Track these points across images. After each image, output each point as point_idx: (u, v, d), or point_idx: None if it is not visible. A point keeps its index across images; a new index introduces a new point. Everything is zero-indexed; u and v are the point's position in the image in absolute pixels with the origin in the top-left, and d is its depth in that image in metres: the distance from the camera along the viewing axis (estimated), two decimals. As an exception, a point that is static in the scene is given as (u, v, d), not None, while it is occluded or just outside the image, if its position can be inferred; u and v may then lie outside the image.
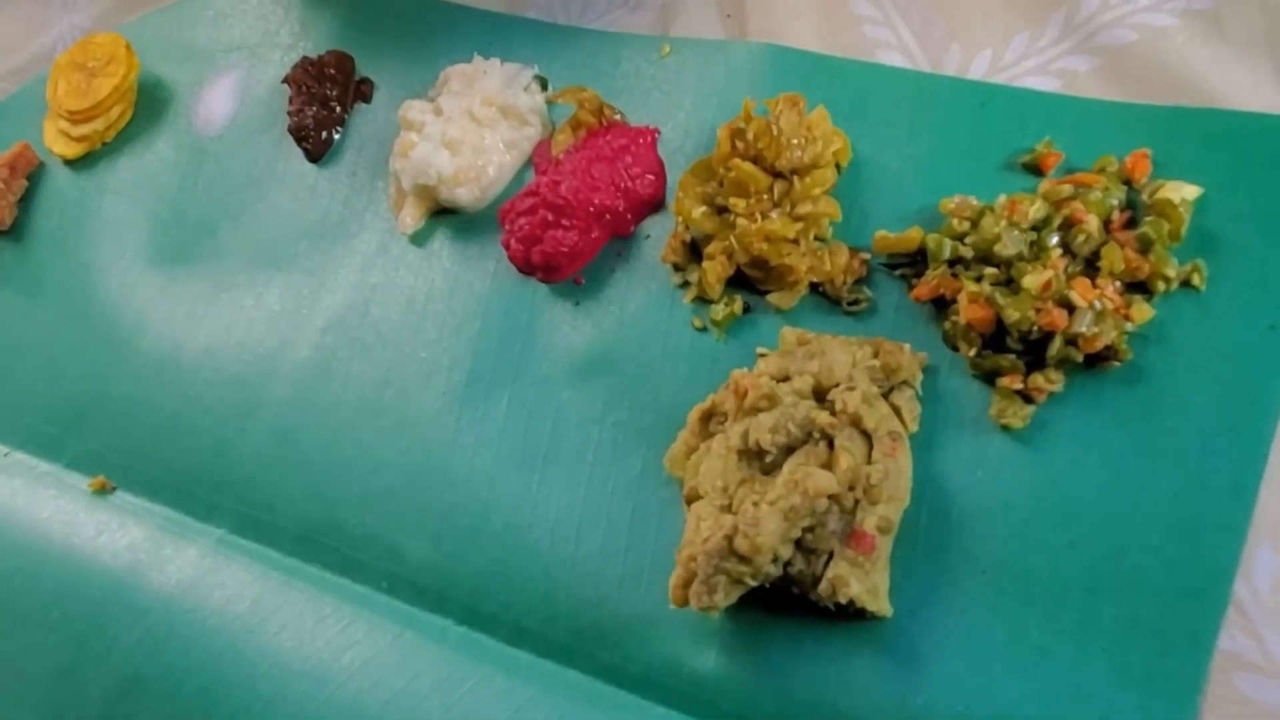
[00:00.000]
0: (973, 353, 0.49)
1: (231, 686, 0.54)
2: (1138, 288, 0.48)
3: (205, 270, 0.69)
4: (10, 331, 0.72)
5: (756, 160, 0.54)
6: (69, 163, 0.76)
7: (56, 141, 0.77)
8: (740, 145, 0.55)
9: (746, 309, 0.55)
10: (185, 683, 0.55)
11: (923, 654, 0.46)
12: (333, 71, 0.69)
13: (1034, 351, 0.48)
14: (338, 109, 0.69)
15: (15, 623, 0.61)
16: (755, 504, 0.46)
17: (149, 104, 0.76)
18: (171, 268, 0.70)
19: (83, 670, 0.58)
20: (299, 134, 0.68)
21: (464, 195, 0.62)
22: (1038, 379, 0.48)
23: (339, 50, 0.70)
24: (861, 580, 0.45)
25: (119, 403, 0.67)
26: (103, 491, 0.64)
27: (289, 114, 0.69)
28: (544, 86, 0.64)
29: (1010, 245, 0.49)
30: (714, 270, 0.54)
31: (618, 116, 0.62)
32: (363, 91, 0.70)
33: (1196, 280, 0.48)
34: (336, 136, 0.69)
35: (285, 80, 0.70)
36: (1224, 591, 0.43)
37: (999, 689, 0.44)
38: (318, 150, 0.68)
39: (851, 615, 0.46)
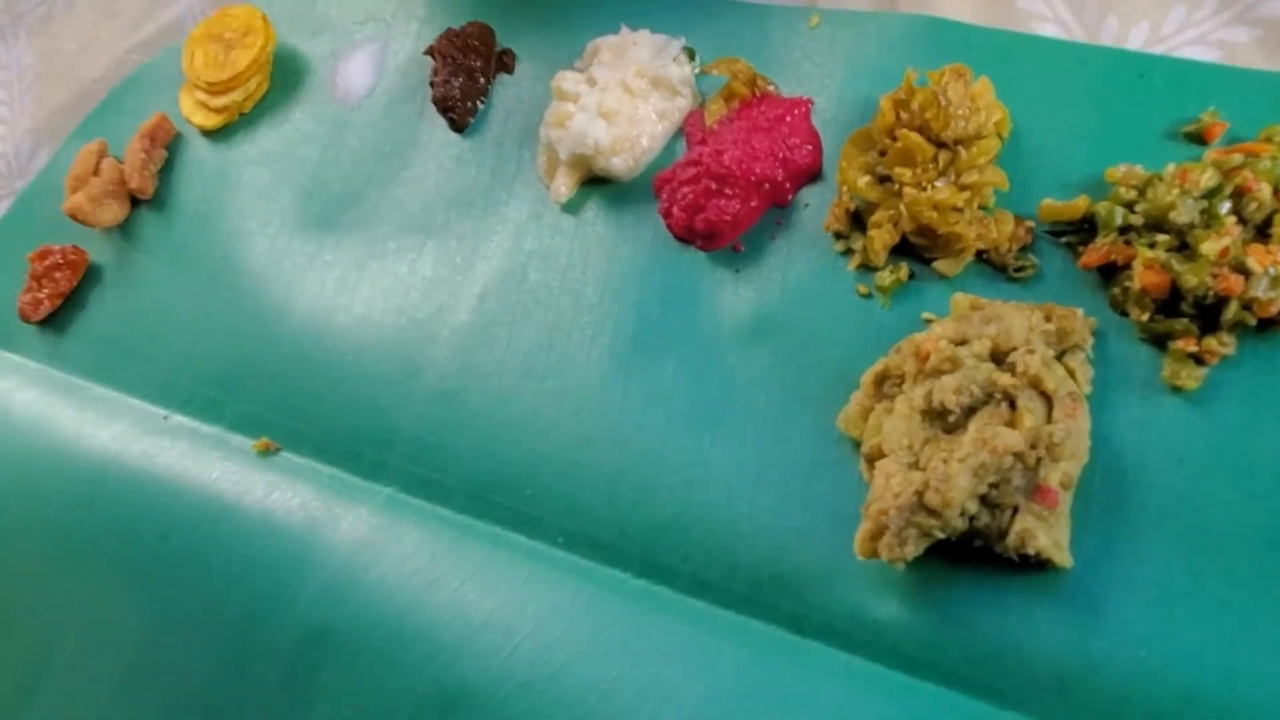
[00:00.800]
0: (1145, 317, 0.51)
1: (416, 636, 0.57)
2: (1310, 252, 0.50)
3: (354, 238, 0.71)
4: (160, 298, 0.75)
5: (921, 130, 0.56)
6: (207, 133, 0.79)
7: (195, 113, 0.79)
8: (905, 115, 0.57)
9: (911, 276, 0.57)
10: (371, 632, 0.58)
11: (1103, 603, 0.48)
12: (475, 43, 0.71)
13: (1206, 316, 0.50)
14: (481, 80, 0.71)
15: (194, 577, 0.64)
16: (944, 461, 0.48)
17: (285, 75, 0.78)
18: (319, 236, 0.72)
19: (268, 621, 0.61)
20: (444, 104, 0.70)
21: (619, 164, 0.64)
22: (1211, 342, 0.50)
23: (480, 22, 0.72)
24: (1047, 533, 0.48)
25: (276, 366, 0.69)
26: (267, 452, 0.67)
27: (433, 84, 0.71)
28: (691, 57, 0.66)
29: (1184, 213, 0.50)
30: (880, 238, 0.56)
31: (770, 87, 0.63)
32: (505, 62, 0.71)
33: (1369, 248, 0.50)
34: (480, 106, 0.71)
35: (428, 51, 0.72)
36: None
37: (1179, 636, 0.47)
38: (463, 120, 0.70)
39: (1032, 566, 0.49)
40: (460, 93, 0.70)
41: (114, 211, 0.78)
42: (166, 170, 0.79)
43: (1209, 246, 0.49)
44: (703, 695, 0.52)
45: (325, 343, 0.68)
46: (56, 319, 0.78)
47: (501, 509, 0.60)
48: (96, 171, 0.78)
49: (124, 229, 0.78)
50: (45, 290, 0.77)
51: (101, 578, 0.67)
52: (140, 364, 0.73)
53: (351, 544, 0.61)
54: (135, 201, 0.79)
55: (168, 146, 0.80)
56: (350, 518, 0.62)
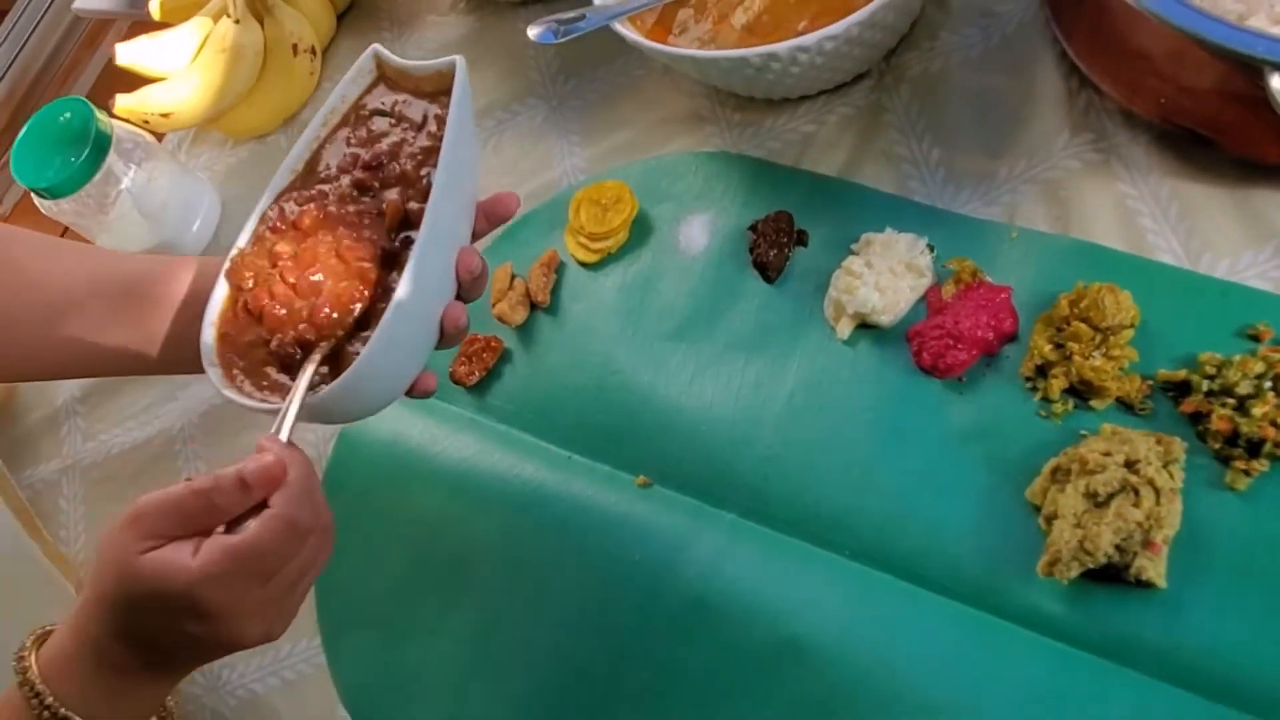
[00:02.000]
0: (1216, 446, 0.87)
1: (761, 605, 0.94)
2: (1317, 416, 0.85)
3: (697, 348, 1.04)
4: (558, 378, 1.05)
5: (1085, 320, 0.93)
6: (585, 265, 1.16)
7: (577, 250, 1.16)
8: (1075, 310, 0.94)
9: (1074, 408, 0.94)
10: (731, 601, 0.96)
11: (1184, 608, 0.76)
12: (784, 225, 1.08)
13: (1252, 448, 0.86)
14: (786, 251, 1.09)
15: (607, 563, 0.98)
16: (1095, 525, 0.85)
17: (642, 230, 1.08)
18: (673, 344, 1.08)
19: (662, 591, 0.98)
20: (762, 265, 1.08)
21: (884, 319, 1.01)
22: (1255, 464, 0.84)
23: (786, 211, 1.10)
24: (1153, 568, 0.84)
25: (648, 429, 1.06)
26: (646, 486, 1.04)
27: (753, 251, 1.09)
28: (932, 250, 1.04)
29: (1244, 388, 0.86)
30: (1056, 384, 0.93)
31: (984, 277, 1.01)
32: (801, 238, 1.09)
33: (1353, 415, 0.85)
34: (785, 268, 1.09)
35: (750, 228, 1.10)
36: None
37: (1227, 634, 0.77)
38: (774, 276, 1.07)
39: (1143, 585, 0.85)
40: (773, 259, 1.08)
41: (521, 314, 1.13)
42: (557, 289, 1.08)
43: (1257, 411, 0.84)
44: (940, 655, 0.87)
45: (683, 414, 0.96)
46: (481, 386, 1.09)
47: (808, 532, 0.93)
48: (510, 286, 1.18)
49: (527, 327, 1.13)
50: (475, 365, 1.14)
51: (537, 561, 1.03)
52: (545, 420, 1.03)
53: (712, 544, 0.99)
54: (534, 308, 1.16)
55: (557, 271, 1.18)
56: (708, 530, 1.00)
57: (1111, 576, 0.76)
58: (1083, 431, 0.79)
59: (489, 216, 0.77)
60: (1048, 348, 0.91)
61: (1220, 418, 0.84)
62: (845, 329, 0.99)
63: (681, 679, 0.87)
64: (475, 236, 0.76)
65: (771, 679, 0.85)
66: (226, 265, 0.73)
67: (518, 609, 0.95)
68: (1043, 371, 0.91)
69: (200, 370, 0.71)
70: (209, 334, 0.72)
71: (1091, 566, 0.74)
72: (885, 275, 0.98)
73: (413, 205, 0.72)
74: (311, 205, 0.73)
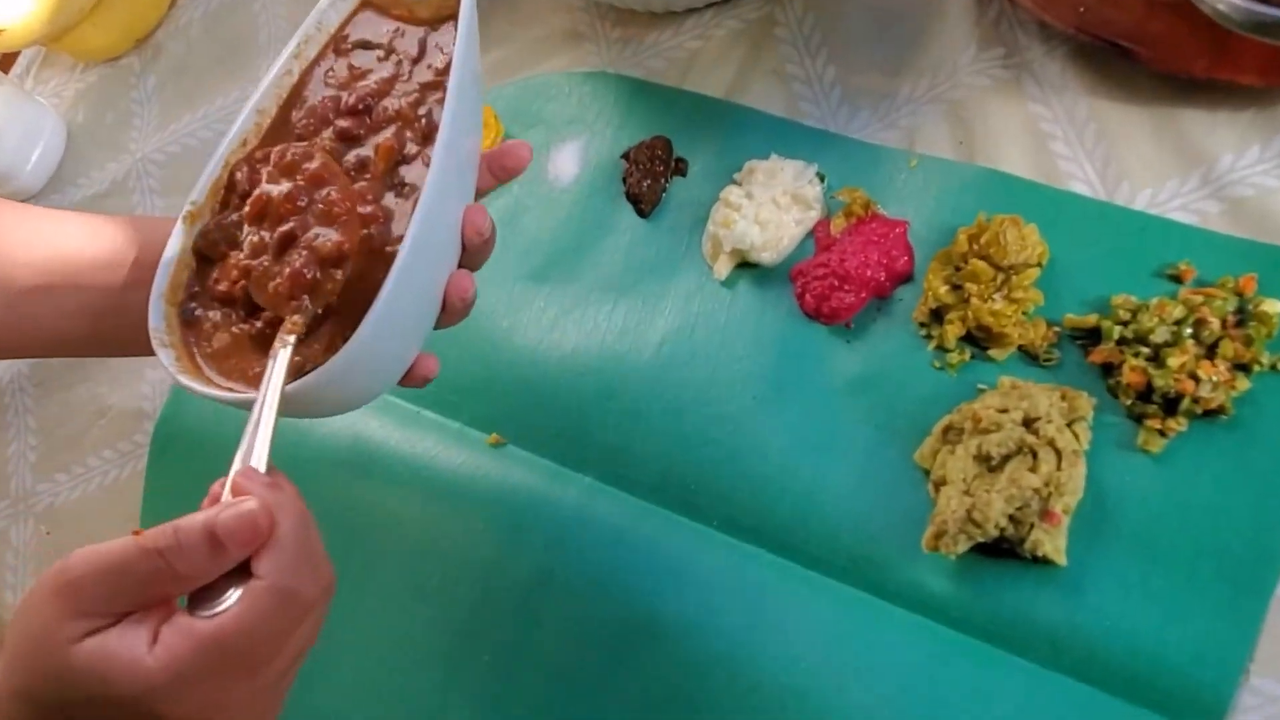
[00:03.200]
0: (1128, 402, 0.76)
1: (615, 580, 0.83)
2: (1240, 368, 0.75)
3: (561, 290, 0.96)
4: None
5: (985, 258, 0.81)
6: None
7: None
8: (974, 246, 0.82)
9: (971, 357, 0.82)
10: (583, 575, 0.85)
11: (1084, 588, 0.70)
12: (660, 153, 0.96)
13: (1169, 404, 0.75)
14: (662, 180, 0.96)
15: (451, 528, 0.90)
16: (986, 491, 0.73)
17: None
18: (535, 286, 0.98)
19: (507, 563, 0.87)
20: (634, 197, 0.96)
21: (766, 257, 0.89)
22: (1171, 422, 0.74)
23: (663, 137, 0.97)
24: (1051, 542, 0.72)
25: (504, 381, 0.95)
26: (498, 445, 0.93)
27: (626, 181, 0.96)
28: (822, 180, 0.91)
29: (1159, 335, 0.75)
30: (952, 330, 0.81)
31: (878, 209, 0.89)
32: (679, 168, 0.97)
33: (1280, 366, 0.74)
34: (660, 200, 0.96)
35: (624, 155, 0.98)
36: (1269, 588, 0.65)
37: (1132, 614, 0.69)
38: (648, 210, 0.95)
39: (1039, 562, 0.74)
40: (647, 190, 0.95)
41: None
42: None
43: (1173, 361, 0.74)
44: (812, 632, 0.77)
45: (542, 364, 0.91)
46: None
47: (673, 498, 0.86)
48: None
49: None
50: None
51: (378, 524, 0.93)
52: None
53: (568, 510, 0.87)
54: (388, 245, 1.05)
55: (413, 205, 1.06)
56: (564, 494, 0.88)
57: (1004, 552, 0.73)
58: (980, 385, 0.71)
59: (496, 169, 0.66)
60: (943, 289, 0.80)
61: (1132, 369, 0.72)
62: (723, 268, 0.87)
63: (524, 661, 0.78)
64: (481, 193, 0.65)
65: (622, 662, 0.77)
66: (188, 232, 0.61)
67: (348, 583, 0.83)
68: (938, 316, 0.80)
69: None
70: (158, 310, 0.59)
71: (981, 540, 0.71)
72: (767, 207, 0.86)
73: (411, 149, 0.60)
74: (299, 150, 0.60)
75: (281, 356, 0.54)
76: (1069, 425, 0.75)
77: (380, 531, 0.92)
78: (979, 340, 0.80)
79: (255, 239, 0.57)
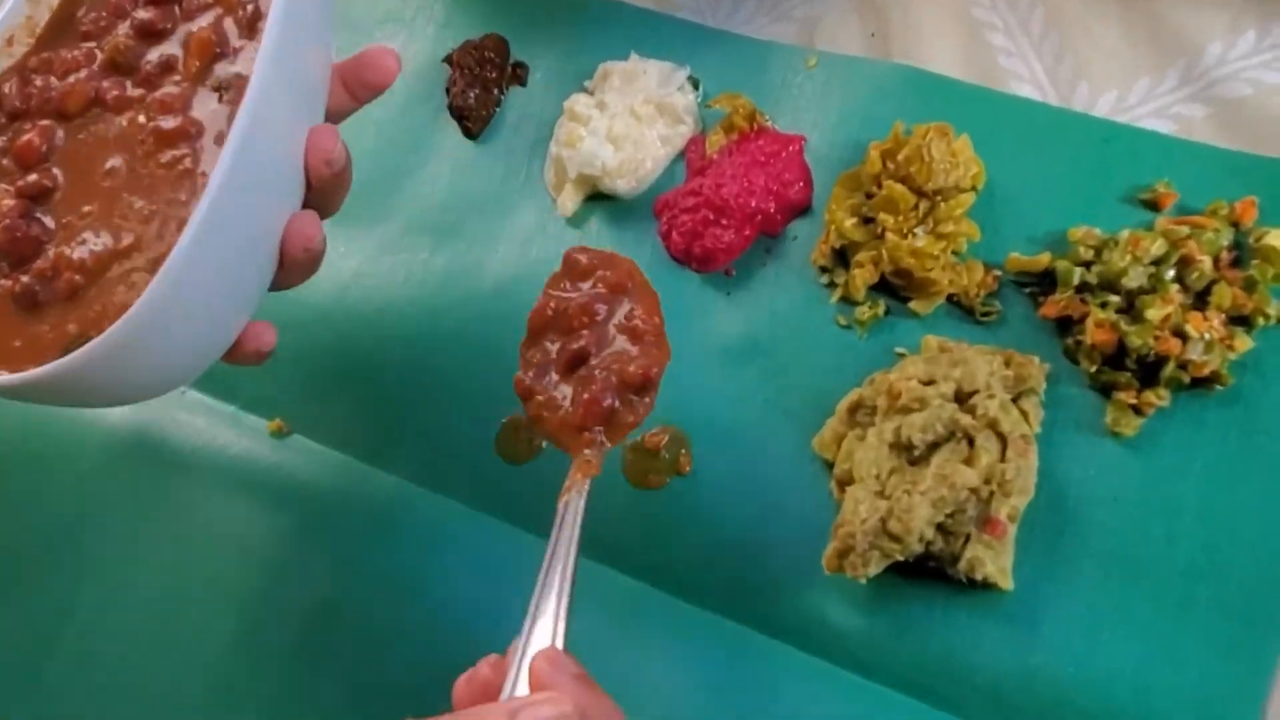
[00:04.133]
0: (1094, 369, 0.57)
1: (418, 613, 0.63)
2: (1239, 321, 0.56)
3: (367, 232, 0.75)
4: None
5: (905, 180, 0.61)
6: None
7: None
8: (891, 165, 0.62)
9: (887, 312, 0.62)
10: (377, 606, 0.64)
11: (1039, 622, 0.55)
12: (491, 55, 0.75)
13: (1146, 371, 0.56)
14: (495, 91, 0.75)
15: (210, 547, 0.69)
16: (908, 492, 0.54)
17: None
18: (332, 227, 0.74)
19: (282, 591, 0.66)
20: (460, 113, 0.74)
21: (623, 186, 0.69)
22: (1149, 395, 0.56)
23: (496, 35, 0.76)
24: (993, 560, 0.54)
25: (288, 350, 0.73)
26: (280, 433, 0.72)
27: (450, 93, 0.75)
28: (695, 86, 0.71)
29: (1134, 279, 0.56)
30: (861, 276, 0.62)
31: (767, 122, 0.68)
32: (518, 75, 0.76)
33: (1295, 320, 0.56)
34: (493, 115, 0.75)
35: (446, 59, 0.76)
36: None
37: (1106, 654, 0.53)
38: (476, 129, 0.75)
39: (978, 586, 0.55)
40: (475, 102, 0.74)
41: None
42: None
43: (1154, 313, 0.55)
44: (680, 686, 0.58)
45: (338, 329, 0.73)
46: None
47: (501, 502, 0.66)
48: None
49: None
50: None
51: (120, 540, 0.71)
52: None
53: (360, 524, 0.67)
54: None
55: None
56: (359, 501, 0.68)
57: (932, 573, 0.57)
58: (899, 349, 0.56)
59: (353, 85, 0.53)
60: (850, 223, 0.60)
61: (1098, 325, 0.54)
62: (570, 201, 0.67)
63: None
64: (334, 116, 0.53)
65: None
66: None
67: (85, 617, 0.72)
68: (843, 259, 0.61)
69: None
70: None
71: (901, 559, 0.55)
72: (624, 120, 0.65)
73: (236, 44, 0.49)
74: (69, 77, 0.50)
75: (575, 505, 0.49)
76: (1015, 401, 0.56)
77: (118, 557, 0.70)
78: (897, 289, 0.61)
79: (536, 354, 0.55)
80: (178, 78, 0.49)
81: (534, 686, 0.43)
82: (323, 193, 0.51)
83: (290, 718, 0.64)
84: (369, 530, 0.66)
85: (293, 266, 0.50)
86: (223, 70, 0.48)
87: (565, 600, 0.46)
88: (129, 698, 0.66)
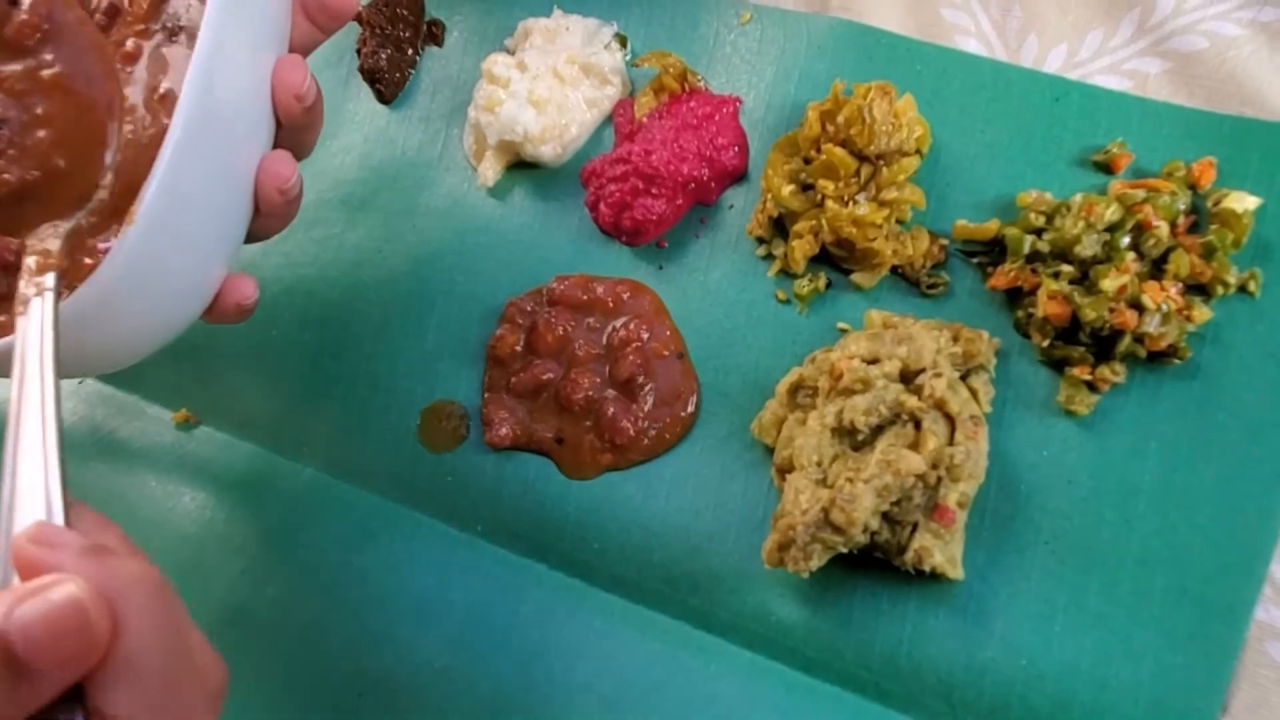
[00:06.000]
0: (1046, 343, 0.54)
1: (337, 622, 0.59)
2: (1198, 290, 0.53)
3: None
4: None
5: (845, 144, 0.57)
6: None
7: None
8: (830, 128, 0.58)
9: (829, 285, 0.59)
10: (292, 615, 0.60)
11: (990, 614, 0.52)
12: (405, 12, 0.70)
13: (1101, 345, 0.53)
14: (410, 51, 0.70)
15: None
16: (850, 480, 0.51)
17: None
18: None
19: (186, 598, 0.61)
20: (372, 76, 0.69)
21: (547, 152, 0.64)
22: (1104, 371, 0.53)
23: (410, -12, 0.71)
24: (942, 550, 0.51)
25: (194, 336, 0.68)
26: (187, 425, 0.67)
27: (360, 54, 0.70)
28: (623, 44, 0.66)
29: (1088, 246, 0.53)
30: (801, 248, 0.58)
31: (700, 83, 0.64)
32: (434, 34, 0.71)
33: (1253, 287, 0.53)
34: (408, 78, 0.70)
35: (356, 18, 0.71)
36: (1261, 569, 0.49)
37: (1059, 647, 0.51)
38: (390, 93, 0.70)
39: (927, 577, 0.52)
40: (388, 64, 0.69)
41: None
42: None
43: (1109, 284, 0.52)
44: (614, 684, 0.54)
45: (284, 322, 0.68)
46: None
47: (424, 495, 0.62)
48: None
49: None
50: None
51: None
52: None
53: (273, 521, 0.62)
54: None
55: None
56: (272, 495, 0.63)
57: (878, 565, 0.54)
58: (841, 325, 0.52)
59: (316, 14, 0.50)
60: (788, 190, 0.56)
61: (1050, 296, 0.51)
62: (491, 170, 0.62)
63: None
64: (299, 51, 0.50)
65: None
66: None
67: None
68: (782, 228, 0.56)
69: None
70: None
71: (845, 550, 0.52)
72: (546, 81, 0.61)
73: None
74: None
75: (41, 318, 0.38)
76: (964, 379, 0.53)
77: None
78: (838, 261, 0.58)
79: None
80: (129, 19, 0.46)
81: (27, 576, 0.32)
82: (294, 131, 0.48)
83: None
84: (283, 525, 0.62)
85: (269, 211, 0.48)
86: (176, 7, 0.46)
87: (55, 459, 0.35)
88: None
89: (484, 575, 0.59)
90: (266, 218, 0.49)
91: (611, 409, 0.59)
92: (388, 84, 0.69)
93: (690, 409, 0.59)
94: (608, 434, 0.58)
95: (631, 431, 0.58)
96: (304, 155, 0.51)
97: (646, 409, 0.58)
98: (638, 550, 0.57)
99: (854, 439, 0.53)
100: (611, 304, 0.60)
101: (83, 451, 0.67)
